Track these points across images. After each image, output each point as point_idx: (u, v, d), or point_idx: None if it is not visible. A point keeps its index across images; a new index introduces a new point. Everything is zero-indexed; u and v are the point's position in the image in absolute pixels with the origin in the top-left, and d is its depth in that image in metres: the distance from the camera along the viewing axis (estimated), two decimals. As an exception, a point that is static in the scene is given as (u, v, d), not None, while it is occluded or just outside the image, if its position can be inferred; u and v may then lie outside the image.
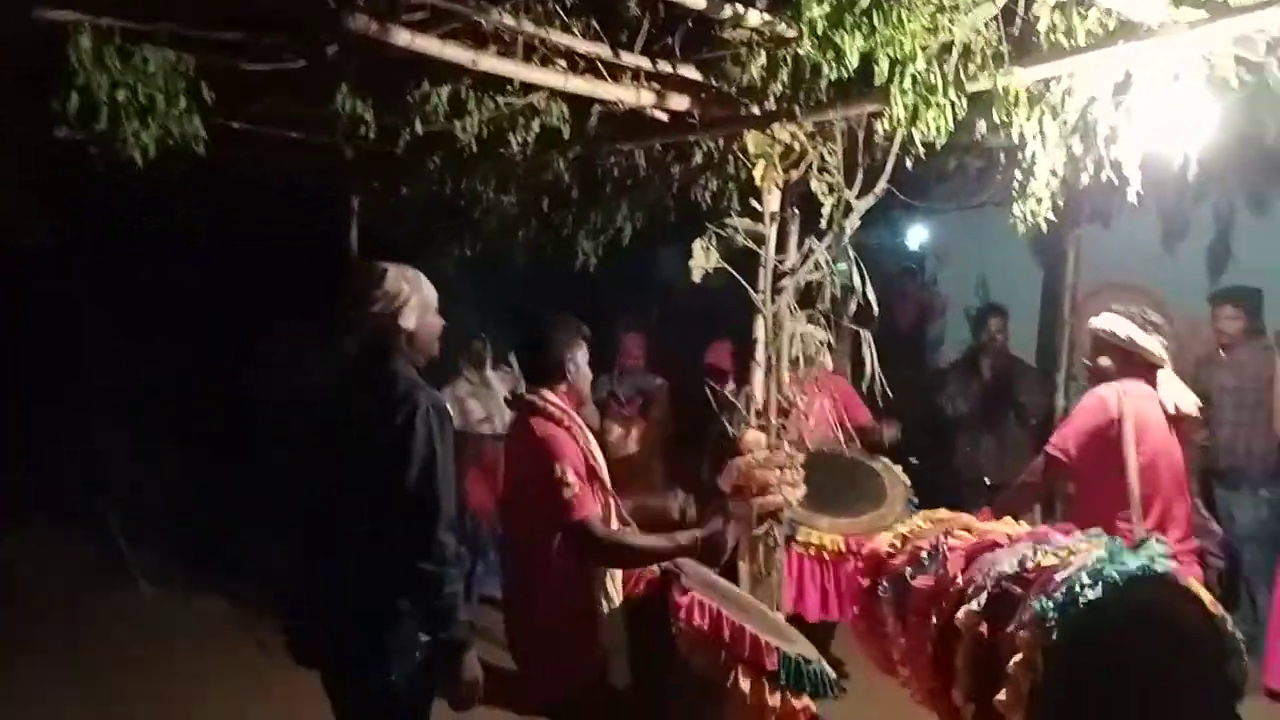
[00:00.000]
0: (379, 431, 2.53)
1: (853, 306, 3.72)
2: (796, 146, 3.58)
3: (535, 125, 3.82)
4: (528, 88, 3.65)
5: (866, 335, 3.73)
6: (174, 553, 6.22)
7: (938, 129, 2.75)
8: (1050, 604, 2.54)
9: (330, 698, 2.69)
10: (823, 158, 3.57)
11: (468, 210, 5.40)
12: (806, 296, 3.80)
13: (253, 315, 7.51)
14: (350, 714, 2.68)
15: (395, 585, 2.52)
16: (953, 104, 2.98)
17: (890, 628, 3.25)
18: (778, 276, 3.72)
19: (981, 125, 3.11)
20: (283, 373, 6.91)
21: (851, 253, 3.66)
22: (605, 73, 3.51)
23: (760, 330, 3.74)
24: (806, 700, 2.92)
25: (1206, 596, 2.72)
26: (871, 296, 3.66)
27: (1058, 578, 2.64)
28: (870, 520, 4.39)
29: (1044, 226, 3.33)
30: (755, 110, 3.66)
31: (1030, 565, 2.79)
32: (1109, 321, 3.53)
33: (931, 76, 2.70)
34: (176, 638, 5.30)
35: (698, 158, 4.43)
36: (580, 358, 3.00)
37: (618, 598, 2.84)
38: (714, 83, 3.60)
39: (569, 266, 6.04)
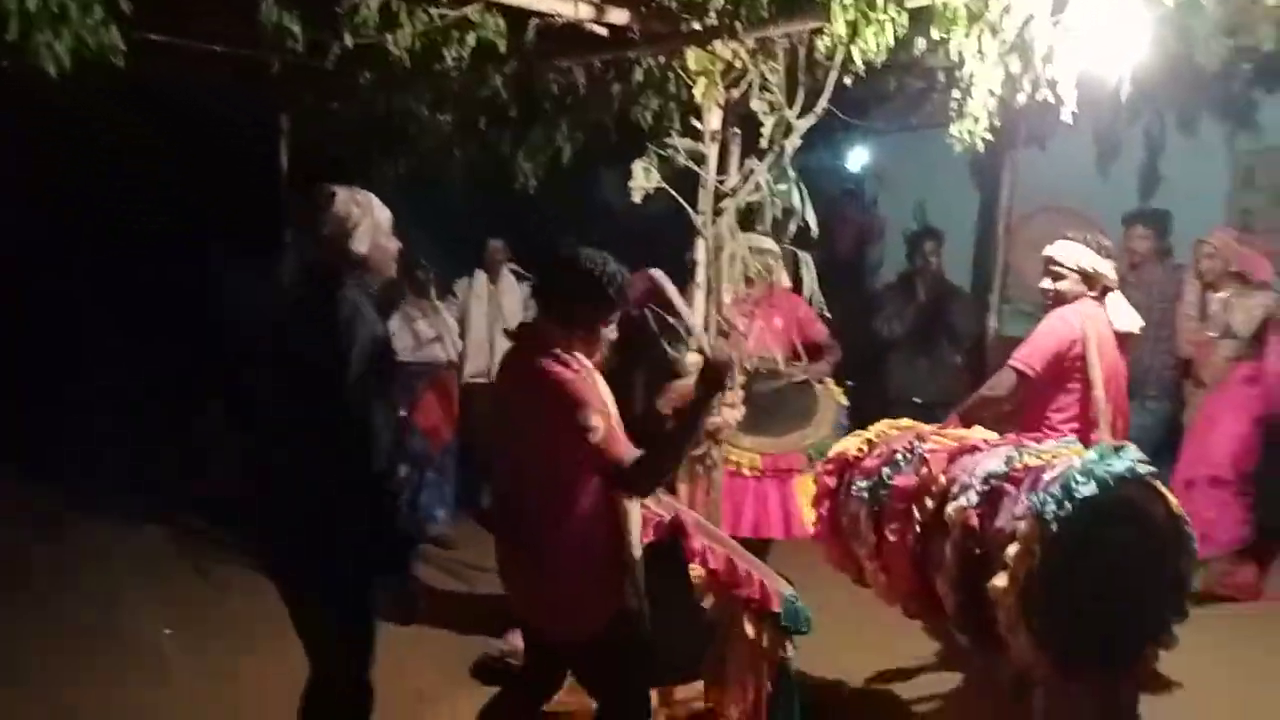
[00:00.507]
0: (320, 358, 2.51)
1: (793, 228, 3.72)
2: (738, 64, 3.54)
3: (470, 39, 3.71)
4: (461, 0, 3.54)
5: (806, 257, 3.76)
6: (110, 483, 6.11)
7: (878, 45, 2.73)
8: (1048, 497, 2.70)
9: (290, 614, 2.74)
10: (764, 76, 3.53)
11: (402, 129, 5.25)
12: (747, 218, 3.80)
13: (181, 236, 7.30)
14: (304, 627, 2.73)
15: (334, 508, 2.54)
16: (893, 20, 2.98)
17: (863, 526, 3.31)
18: (718, 197, 3.71)
19: (921, 44, 3.07)
20: (222, 296, 6.78)
21: (792, 174, 3.64)
22: (542, -16, 3.42)
23: (700, 252, 3.74)
24: (789, 645, 3.00)
25: (1172, 498, 2.92)
26: (812, 218, 3.67)
27: (1047, 476, 2.80)
28: (793, 440, 4.46)
29: (980, 146, 3.35)
30: (696, 26, 3.60)
31: (1018, 465, 2.93)
32: (1066, 248, 3.63)
33: (872, -9, 2.68)
34: (116, 569, 5.22)
35: (638, 75, 4.35)
36: (612, 307, 2.68)
37: (640, 543, 2.74)
38: (653, -5, 3.51)
39: (509, 189, 5.96)
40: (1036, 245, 6.30)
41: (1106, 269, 3.61)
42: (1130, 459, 2.84)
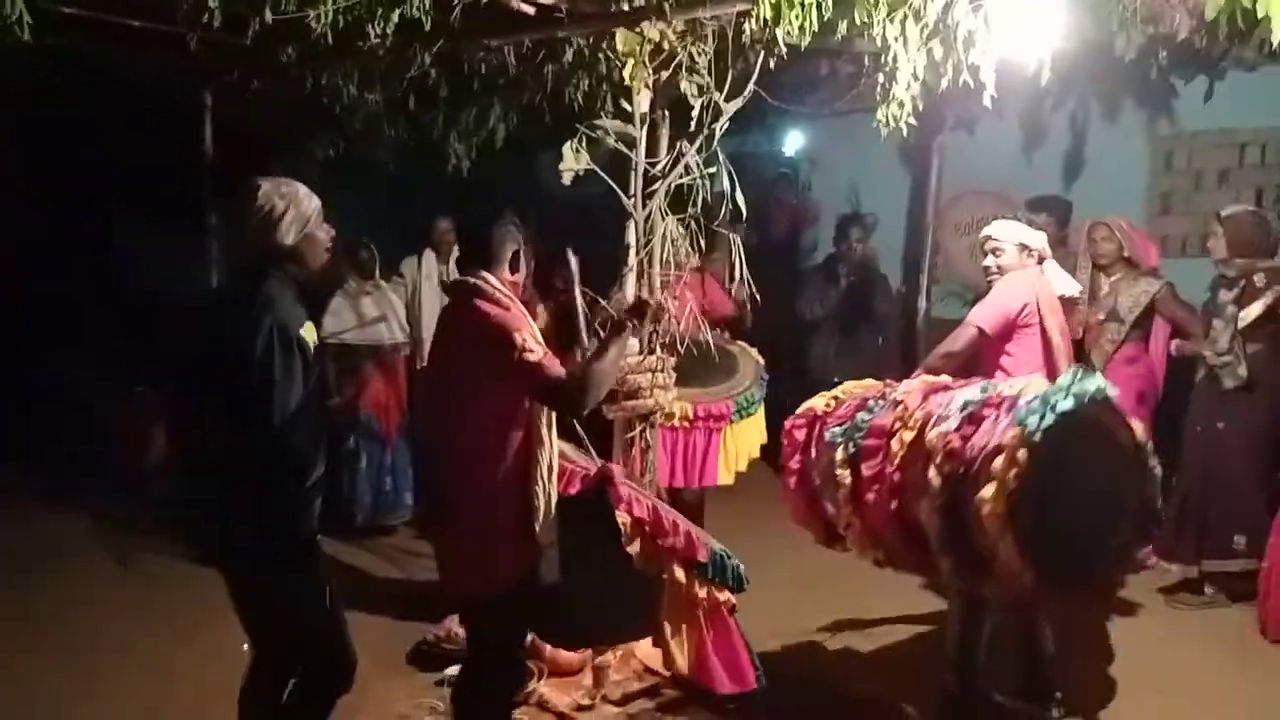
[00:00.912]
0: (233, 347, 2.56)
1: (723, 210, 3.73)
2: (666, 45, 3.52)
3: (395, 16, 3.63)
4: (386, -25, 3.46)
5: (735, 238, 3.77)
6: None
7: (801, 28, 2.74)
8: (1029, 409, 2.83)
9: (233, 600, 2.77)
10: (692, 58, 3.52)
11: (329, 108, 5.14)
12: (678, 200, 3.80)
13: (103, 216, 7.10)
14: (240, 612, 2.76)
15: (245, 495, 2.59)
16: (818, 4, 2.99)
17: (837, 471, 3.33)
18: (649, 180, 3.70)
19: (844, 28, 3.09)
20: (144, 280, 6.60)
21: (722, 156, 3.64)
22: (467, -39, 3.36)
23: (631, 234, 3.73)
24: (727, 593, 3.14)
25: (1138, 425, 3.06)
26: (741, 200, 3.68)
27: (1025, 399, 2.91)
28: (721, 390, 4.53)
29: (905, 131, 3.39)
30: (625, 7, 3.58)
31: (993, 393, 3.05)
32: (1002, 226, 3.79)
33: (796, -26, 2.68)
34: (35, 560, 5.09)
35: (569, 56, 4.31)
36: (524, 251, 2.90)
37: (554, 494, 2.83)
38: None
39: (442, 171, 5.88)
40: (963, 228, 6.51)
41: (1040, 240, 3.77)
42: (1099, 381, 2.98)
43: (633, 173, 3.64)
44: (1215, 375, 4.42)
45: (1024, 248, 3.75)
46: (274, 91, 5.25)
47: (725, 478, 4.53)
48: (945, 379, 3.46)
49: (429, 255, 6.01)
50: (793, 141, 7.91)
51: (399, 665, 3.90)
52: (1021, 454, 2.77)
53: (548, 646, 3.56)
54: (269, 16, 3.62)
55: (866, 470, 3.25)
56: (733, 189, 3.67)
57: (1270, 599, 4.17)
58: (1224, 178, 5.43)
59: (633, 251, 3.73)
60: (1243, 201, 5.31)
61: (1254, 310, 4.30)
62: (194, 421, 2.78)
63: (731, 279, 3.84)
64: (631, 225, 3.71)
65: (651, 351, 3.73)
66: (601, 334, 3.61)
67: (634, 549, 3.15)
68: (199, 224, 6.14)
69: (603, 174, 3.59)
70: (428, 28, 3.73)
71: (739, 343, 4.86)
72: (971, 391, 3.13)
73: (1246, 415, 4.39)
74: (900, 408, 3.24)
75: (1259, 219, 4.50)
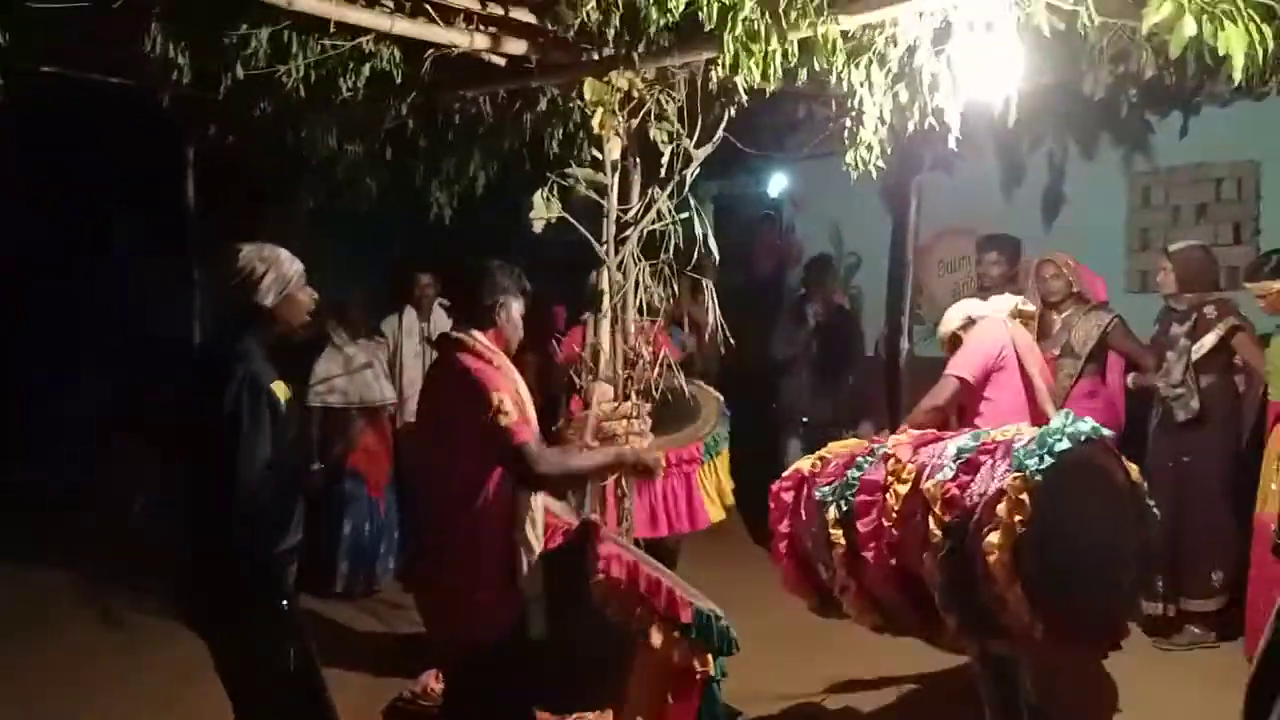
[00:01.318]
0: (207, 406, 2.59)
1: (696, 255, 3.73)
2: (636, 94, 3.55)
3: (365, 70, 3.67)
4: (355, 30, 3.49)
5: (708, 283, 3.77)
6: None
7: (763, 75, 2.76)
8: (1029, 452, 2.83)
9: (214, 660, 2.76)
10: (661, 105, 3.54)
11: (309, 160, 5.17)
12: (652, 246, 3.80)
13: (88, 271, 7.11)
14: (220, 672, 2.74)
15: (219, 556, 2.57)
16: (784, 52, 3.01)
17: (830, 531, 3.30)
18: (621, 227, 3.70)
19: (804, 75, 3.12)
20: (129, 334, 6.59)
21: (693, 201, 3.65)
22: (436, 15, 3.39)
23: (605, 281, 3.72)
24: (709, 661, 2.93)
25: (1133, 466, 3.07)
26: (713, 245, 3.67)
27: (1020, 443, 2.91)
28: (688, 434, 4.52)
29: (875, 174, 3.41)
30: (594, 56, 3.60)
31: (986, 440, 3.04)
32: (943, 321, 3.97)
33: (756, 23, 2.70)
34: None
35: (543, 105, 4.34)
36: (514, 306, 2.92)
37: (538, 547, 2.80)
38: (549, 26, 3.51)
39: (425, 221, 5.89)
40: (945, 266, 6.52)
41: (980, 308, 3.90)
42: (1092, 422, 2.99)
43: (605, 219, 3.65)
44: (1170, 409, 4.43)
45: (965, 326, 3.87)
46: (253, 145, 5.28)
47: (717, 515, 4.57)
48: (933, 432, 3.44)
49: (409, 312, 5.90)
50: (776, 184, 7.96)
51: (375, 721, 3.83)
52: (1024, 497, 2.76)
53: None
54: (240, 72, 3.64)
55: (863, 528, 3.21)
56: (705, 234, 3.67)
57: (1254, 634, 4.11)
58: (1201, 212, 5.45)
59: (606, 297, 3.72)
60: (1221, 235, 5.34)
61: (1208, 342, 4.34)
62: (170, 476, 2.84)
63: (705, 323, 3.82)
64: (604, 271, 3.71)
65: (626, 398, 3.71)
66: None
67: (609, 610, 2.99)
68: (184, 277, 6.16)
69: (574, 221, 3.59)
70: (399, 80, 3.76)
71: (697, 382, 4.83)
72: (964, 440, 3.12)
73: (1205, 448, 4.41)
74: (891, 461, 3.22)
75: (1206, 254, 4.57)
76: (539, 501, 2.83)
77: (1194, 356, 4.37)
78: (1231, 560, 4.29)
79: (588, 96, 3.44)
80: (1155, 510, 3.11)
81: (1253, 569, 4.08)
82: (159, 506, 2.98)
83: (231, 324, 2.71)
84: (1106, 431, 3.02)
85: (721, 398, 4.82)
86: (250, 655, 2.66)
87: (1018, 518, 2.74)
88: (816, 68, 2.88)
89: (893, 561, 3.14)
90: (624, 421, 3.68)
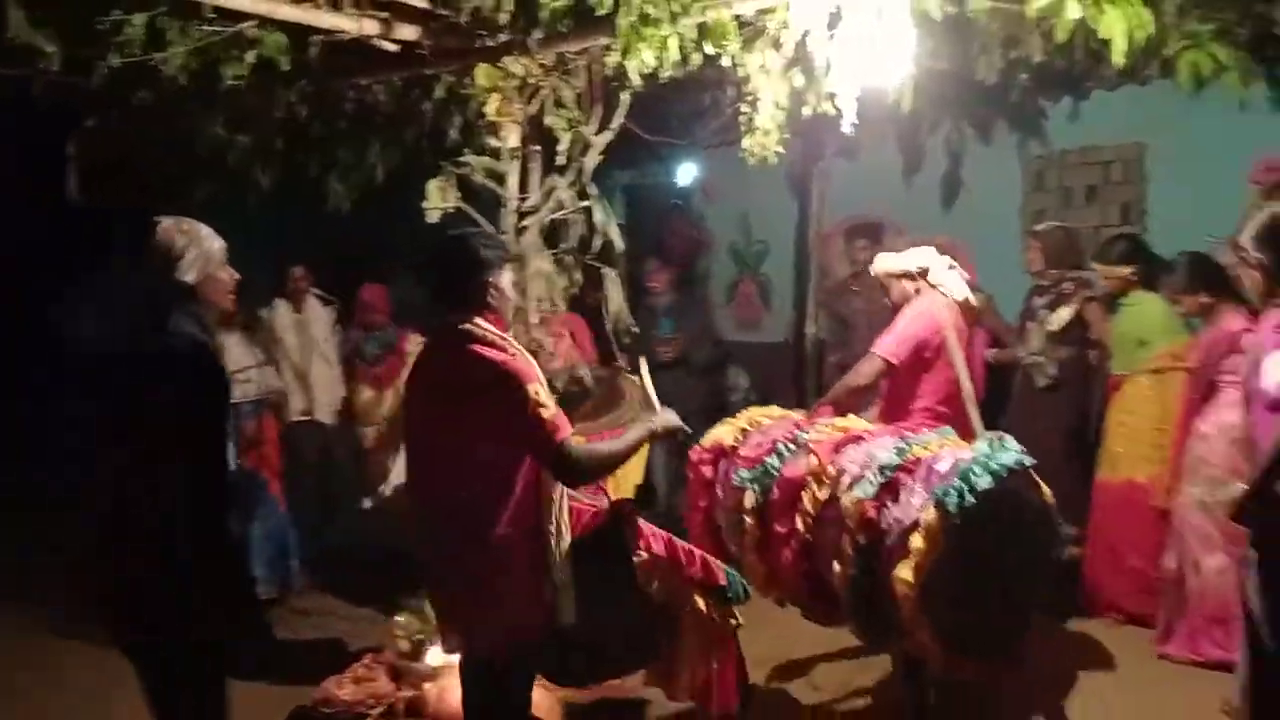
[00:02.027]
0: (151, 393, 2.39)
1: (599, 244, 3.70)
2: (531, 80, 3.48)
3: (250, 57, 3.51)
4: (236, 16, 3.34)
5: (611, 273, 3.73)
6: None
7: (658, 60, 2.72)
8: (950, 489, 2.83)
9: (137, 672, 2.54)
10: (557, 92, 3.48)
11: (196, 152, 4.96)
12: (553, 236, 3.75)
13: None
14: (160, 685, 2.53)
15: (177, 553, 2.38)
16: (679, 37, 2.98)
17: (746, 517, 3.32)
18: (521, 216, 3.64)
19: (706, 59, 3.09)
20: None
21: (594, 190, 3.61)
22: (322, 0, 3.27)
23: (505, 272, 3.64)
24: (736, 614, 3.05)
25: (1045, 489, 3.09)
26: (616, 235, 3.64)
27: (941, 467, 2.91)
28: (608, 420, 4.48)
29: (774, 159, 3.41)
30: (489, 42, 3.53)
31: (909, 456, 3.02)
32: (883, 261, 3.91)
33: (650, 8, 2.66)
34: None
35: (440, 93, 4.23)
36: (504, 280, 2.69)
37: (568, 535, 2.68)
38: (441, 11, 3.42)
39: (323, 213, 5.72)
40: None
41: (914, 259, 3.84)
42: (1015, 451, 2.98)
43: (503, 209, 3.58)
44: (1030, 377, 4.68)
45: (904, 275, 3.79)
46: (137, 135, 5.04)
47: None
48: (858, 426, 3.40)
49: (279, 305, 5.67)
50: (686, 173, 7.96)
51: (278, 732, 3.71)
52: (939, 536, 2.79)
53: (433, 700, 3.43)
54: (116, 60, 3.46)
55: (778, 526, 3.22)
56: (608, 222, 3.64)
57: (1094, 574, 4.37)
58: (1091, 194, 5.62)
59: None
60: (1109, 216, 5.52)
61: (1063, 315, 4.60)
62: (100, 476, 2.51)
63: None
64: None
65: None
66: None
67: (654, 587, 3.00)
68: (68, 273, 5.87)
69: (472, 211, 3.52)
70: (287, 68, 3.62)
71: (620, 370, 4.81)
72: (887, 452, 3.08)
73: (1057, 416, 4.64)
74: (813, 459, 3.19)
75: (1067, 234, 4.88)
76: (564, 488, 2.70)
77: (1051, 328, 4.63)
78: (1079, 515, 4.47)
79: (482, 83, 3.36)
80: (1064, 529, 3.23)
81: (1093, 533, 4.36)
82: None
83: (154, 306, 2.50)
84: (1028, 461, 3.01)
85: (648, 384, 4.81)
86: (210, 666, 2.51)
87: (929, 556, 2.78)
88: (710, 51, 2.85)
89: (805, 564, 3.16)
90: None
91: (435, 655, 3.47)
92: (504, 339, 2.59)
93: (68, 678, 4.26)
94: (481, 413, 2.49)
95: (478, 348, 2.51)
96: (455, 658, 3.36)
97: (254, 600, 2.53)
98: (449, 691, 3.38)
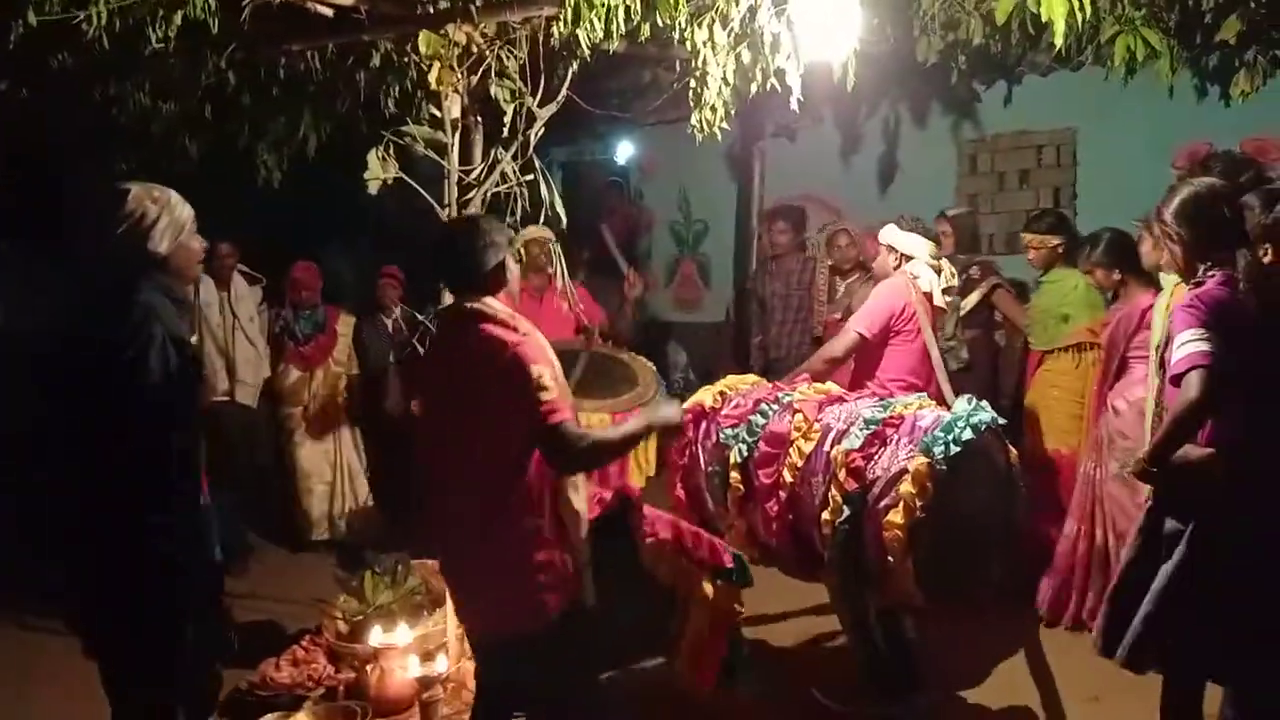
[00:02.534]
0: (111, 369, 2.26)
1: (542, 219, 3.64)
2: (474, 49, 3.40)
3: (177, 18, 3.37)
4: (163, -26, 3.21)
5: (555, 246, 3.68)
6: None
7: (605, 31, 2.68)
8: (936, 437, 3.03)
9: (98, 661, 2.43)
10: (502, 62, 3.41)
11: (118, 119, 4.77)
12: (497, 210, 3.68)
13: None
14: (125, 679, 2.42)
15: (137, 538, 2.28)
16: (626, 7, 2.94)
17: (730, 471, 3.43)
18: (464, 189, 3.56)
19: (653, 32, 3.06)
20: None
21: (539, 163, 3.55)
22: (254, -40, 3.15)
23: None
24: (741, 597, 3.13)
25: (1012, 450, 3.32)
26: (560, 208, 3.59)
27: (924, 423, 3.12)
28: (630, 399, 4.47)
29: (719, 136, 3.39)
30: (429, 9, 3.43)
31: (894, 412, 3.22)
32: (884, 231, 4.13)
33: (598, -24, 2.62)
34: None
35: (376, 61, 4.12)
36: (510, 259, 2.64)
37: (585, 514, 2.63)
38: (380, -25, 3.32)
39: (252, 186, 5.55)
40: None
41: (910, 244, 4.03)
42: (989, 411, 3.20)
43: (445, 180, 3.50)
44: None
45: (891, 249, 4.06)
46: (54, 102, 4.82)
47: (639, 480, 4.45)
48: (835, 388, 3.60)
49: (206, 281, 5.36)
50: (624, 150, 7.92)
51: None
52: (927, 482, 2.96)
53: (373, 682, 3.37)
54: (32, 18, 3.29)
55: (764, 478, 3.35)
56: (552, 197, 3.58)
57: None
58: (1024, 178, 5.73)
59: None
60: (1042, 199, 5.63)
61: (971, 299, 4.74)
62: (54, 456, 2.37)
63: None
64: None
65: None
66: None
67: (661, 570, 3.03)
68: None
69: (412, 183, 3.43)
70: (215, 32, 3.48)
71: (628, 352, 4.76)
72: (871, 409, 3.26)
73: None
74: (798, 416, 3.34)
75: (974, 219, 5.07)
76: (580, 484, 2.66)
77: (961, 312, 4.74)
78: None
79: (423, 50, 3.27)
80: (1025, 489, 3.38)
81: None
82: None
83: (119, 276, 2.36)
84: (1000, 420, 3.23)
85: (654, 366, 4.74)
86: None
87: (919, 501, 2.95)
88: (660, 24, 2.81)
89: (789, 516, 3.29)
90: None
91: (375, 636, 3.40)
92: (515, 319, 2.55)
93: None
94: (490, 392, 2.46)
95: (488, 327, 2.49)
96: (396, 639, 3.36)
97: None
98: (390, 674, 3.33)
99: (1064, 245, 4.47)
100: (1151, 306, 3.87)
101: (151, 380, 2.23)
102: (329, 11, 3.50)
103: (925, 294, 4.05)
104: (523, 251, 3.81)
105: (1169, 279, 3.66)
